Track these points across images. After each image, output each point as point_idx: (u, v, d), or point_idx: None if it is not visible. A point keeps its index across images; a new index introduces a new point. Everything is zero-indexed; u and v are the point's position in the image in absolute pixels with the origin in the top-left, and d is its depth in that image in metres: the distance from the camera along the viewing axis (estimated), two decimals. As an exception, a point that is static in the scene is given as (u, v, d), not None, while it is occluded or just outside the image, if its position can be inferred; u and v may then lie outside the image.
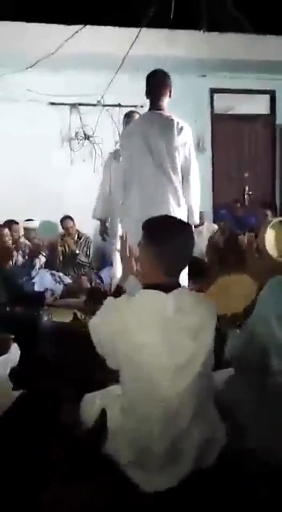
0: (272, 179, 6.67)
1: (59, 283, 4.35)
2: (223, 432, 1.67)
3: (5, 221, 4.69)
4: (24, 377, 2.29)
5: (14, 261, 4.17)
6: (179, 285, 1.66)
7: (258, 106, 6.50)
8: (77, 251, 5.01)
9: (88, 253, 5.11)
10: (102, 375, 2.07)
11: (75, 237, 5.16)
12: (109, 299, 1.79)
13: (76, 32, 4.52)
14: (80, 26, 4.60)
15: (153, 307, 1.58)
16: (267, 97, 6.54)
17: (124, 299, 1.69)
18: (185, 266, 1.70)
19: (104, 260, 5.13)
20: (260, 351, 1.63)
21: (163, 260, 1.61)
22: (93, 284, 4.42)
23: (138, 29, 4.48)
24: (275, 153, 6.63)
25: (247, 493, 1.57)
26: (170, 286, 1.62)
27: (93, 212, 4.39)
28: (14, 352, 2.52)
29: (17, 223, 4.78)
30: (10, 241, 3.66)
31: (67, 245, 5.03)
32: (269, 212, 4.77)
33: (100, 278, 4.75)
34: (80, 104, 5.54)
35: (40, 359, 2.70)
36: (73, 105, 5.55)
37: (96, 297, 3.85)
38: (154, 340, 1.54)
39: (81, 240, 5.15)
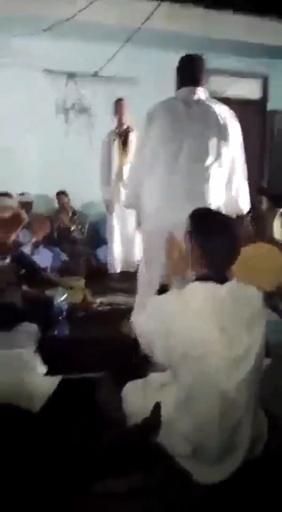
0: (261, 164, 6.74)
1: (57, 260, 4.28)
2: (266, 425, 1.72)
3: (-3, 194, 4.52)
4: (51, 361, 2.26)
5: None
6: (227, 279, 1.64)
7: (251, 91, 6.46)
8: (72, 228, 4.91)
9: (82, 230, 5.01)
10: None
11: (70, 214, 5.03)
12: (154, 297, 1.74)
13: (91, 3, 4.26)
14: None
15: (207, 298, 1.55)
16: (260, 82, 6.53)
17: (174, 293, 1.65)
18: (232, 261, 1.67)
19: (99, 238, 5.05)
20: None
21: (214, 252, 1.61)
22: (93, 263, 4.39)
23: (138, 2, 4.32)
24: (266, 139, 6.68)
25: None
26: (221, 278, 1.61)
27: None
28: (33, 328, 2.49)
29: (11, 195, 4.59)
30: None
31: (62, 221, 4.91)
32: (264, 198, 4.88)
33: (96, 257, 4.72)
34: (76, 75, 5.29)
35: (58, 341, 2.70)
36: (70, 75, 5.29)
37: (96, 278, 3.84)
38: (210, 332, 1.51)
39: (76, 217, 5.03)
